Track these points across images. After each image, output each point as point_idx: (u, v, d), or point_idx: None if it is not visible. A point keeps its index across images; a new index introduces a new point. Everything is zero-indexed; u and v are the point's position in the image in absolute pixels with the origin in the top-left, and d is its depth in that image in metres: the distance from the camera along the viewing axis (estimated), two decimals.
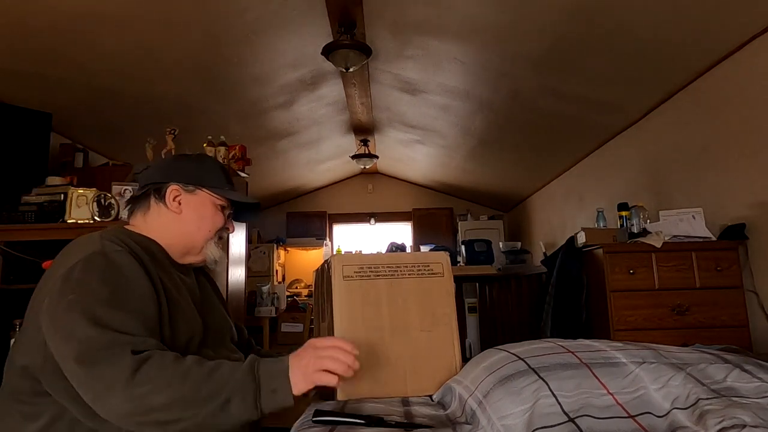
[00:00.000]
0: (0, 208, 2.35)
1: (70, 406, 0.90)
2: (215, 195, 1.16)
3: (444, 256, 1.10)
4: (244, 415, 0.84)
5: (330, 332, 1.05)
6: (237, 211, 1.25)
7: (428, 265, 1.09)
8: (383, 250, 5.97)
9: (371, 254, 1.32)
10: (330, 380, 0.89)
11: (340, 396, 1.01)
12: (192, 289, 1.14)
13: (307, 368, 0.89)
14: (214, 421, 0.83)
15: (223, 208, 1.18)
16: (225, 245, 2.76)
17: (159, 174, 1.15)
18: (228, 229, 1.21)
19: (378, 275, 1.06)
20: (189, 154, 1.24)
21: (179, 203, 1.13)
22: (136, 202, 1.16)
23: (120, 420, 0.83)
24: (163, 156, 2.47)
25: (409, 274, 1.08)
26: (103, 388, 0.82)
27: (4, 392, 0.98)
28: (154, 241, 1.10)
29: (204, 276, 1.28)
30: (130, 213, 1.17)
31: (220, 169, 1.21)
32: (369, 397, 1.00)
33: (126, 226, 1.14)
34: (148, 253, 1.05)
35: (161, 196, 1.13)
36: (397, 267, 1.07)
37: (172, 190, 1.13)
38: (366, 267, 1.06)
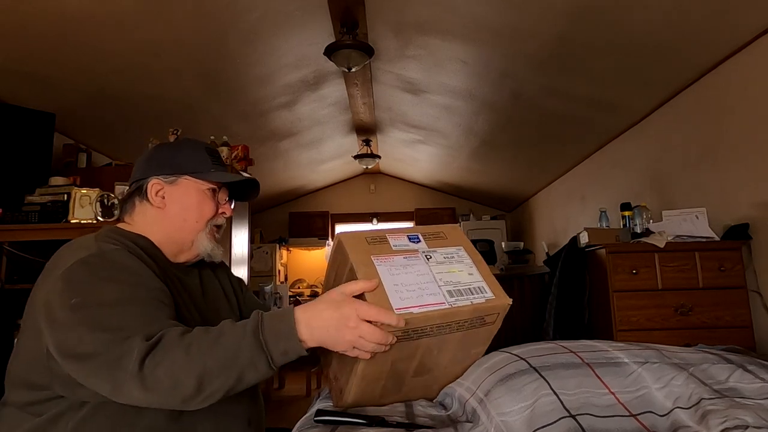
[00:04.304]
0: (4, 209, 2.36)
1: (94, 396, 0.88)
2: (199, 180, 1.08)
3: (505, 305, 0.90)
4: (259, 378, 0.83)
5: (346, 374, 0.92)
6: (235, 192, 1.17)
7: (483, 319, 0.89)
8: None
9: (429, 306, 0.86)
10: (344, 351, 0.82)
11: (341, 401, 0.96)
12: (193, 291, 1.08)
13: (318, 328, 0.82)
14: (231, 390, 0.82)
15: (213, 191, 1.10)
16: (227, 242, 2.77)
17: (140, 170, 1.09)
18: (224, 213, 1.12)
19: (421, 335, 0.85)
20: (170, 142, 1.16)
21: (162, 197, 1.06)
22: (124, 203, 1.11)
23: (141, 404, 0.82)
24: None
25: (458, 329, 0.88)
26: (120, 376, 0.80)
27: (5, 403, 0.94)
28: (147, 238, 1.04)
29: (212, 270, 1.19)
30: (121, 214, 1.12)
31: (203, 150, 1.11)
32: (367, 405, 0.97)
33: (118, 225, 1.09)
34: (144, 250, 1.00)
35: (144, 193, 1.06)
36: (448, 325, 0.86)
37: (153, 184, 1.06)
38: (412, 331, 0.83)
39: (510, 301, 0.90)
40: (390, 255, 0.91)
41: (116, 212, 2.28)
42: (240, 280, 1.30)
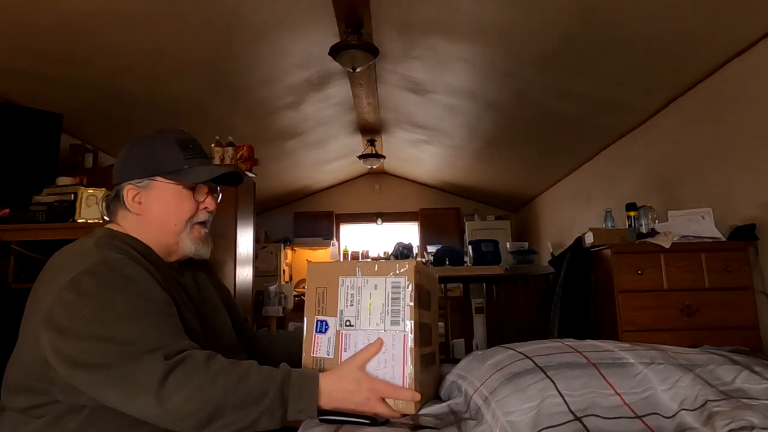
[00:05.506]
0: (11, 208, 2.38)
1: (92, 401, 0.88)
2: (173, 181, 1.04)
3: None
4: (268, 428, 0.86)
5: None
6: (218, 178, 1.11)
7: (406, 281, 0.97)
8: (390, 251, 5.97)
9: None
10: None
11: None
12: (190, 290, 1.08)
13: (337, 399, 0.88)
14: (242, 429, 0.84)
15: (192, 189, 1.06)
16: (231, 243, 2.77)
17: (117, 174, 1.06)
18: (206, 209, 1.09)
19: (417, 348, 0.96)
20: (144, 137, 1.08)
21: (139, 202, 1.03)
22: (108, 206, 1.08)
23: (150, 420, 0.83)
24: None
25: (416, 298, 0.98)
26: (135, 390, 0.81)
27: (4, 408, 0.94)
28: (141, 241, 1.03)
29: (204, 271, 1.18)
30: (108, 215, 1.09)
31: (175, 145, 1.05)
32: None
33: (109, 226, 1.07)
34: (143, 255, 0.99)
35: (121, 200, 1.04)
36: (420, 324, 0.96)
37: (129, 190, 1.03)
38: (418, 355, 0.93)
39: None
40: (339, 366, 0.92)
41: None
42: (226, 288, 1.28)
